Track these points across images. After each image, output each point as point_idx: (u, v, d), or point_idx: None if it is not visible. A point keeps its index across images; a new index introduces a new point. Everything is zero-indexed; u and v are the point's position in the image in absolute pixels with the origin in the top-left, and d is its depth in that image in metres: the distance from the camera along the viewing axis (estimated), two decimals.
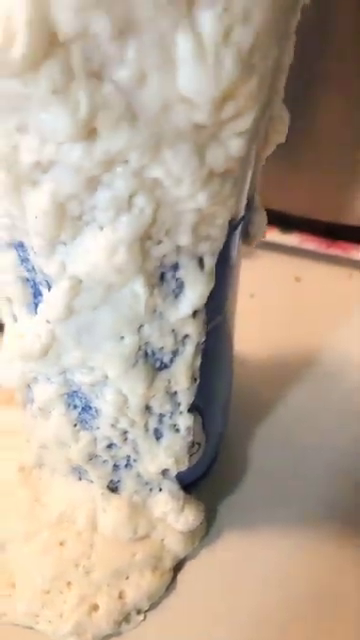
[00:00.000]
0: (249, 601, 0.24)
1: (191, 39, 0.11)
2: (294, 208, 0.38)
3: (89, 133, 0.12)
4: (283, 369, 0.34)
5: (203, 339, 0.19)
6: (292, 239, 0.38)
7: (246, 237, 0.19)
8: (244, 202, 0.17)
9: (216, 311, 0.19)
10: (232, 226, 0.17)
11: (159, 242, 0.15)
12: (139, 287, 0.16)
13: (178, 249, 0.16)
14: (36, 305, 0.18)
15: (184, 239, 0.15)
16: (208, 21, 0.11)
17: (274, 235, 0.37)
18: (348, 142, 0.36)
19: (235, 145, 0.14)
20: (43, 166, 0.13)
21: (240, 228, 0.18)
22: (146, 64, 0.11)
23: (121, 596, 0.23)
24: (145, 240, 0.15)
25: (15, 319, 0.20)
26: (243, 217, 0.18)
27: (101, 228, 0.15)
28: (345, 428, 0.31)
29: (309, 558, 0.25)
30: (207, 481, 0.27)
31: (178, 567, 0.25)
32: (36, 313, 0.18)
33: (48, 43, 0.11)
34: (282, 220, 0.38)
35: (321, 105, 0.35)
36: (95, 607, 0.23)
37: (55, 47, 0.11)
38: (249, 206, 0.18)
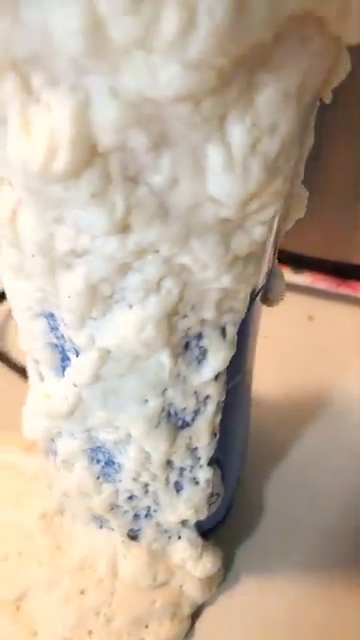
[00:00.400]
0: None
1: (221, 151, 0.12)
2: (305, 249, 0.38)
3: (123, 228, 0.13)
4: (297, 409, 0.34)
5: (223, 398, 0.20)
6: (304, 279, 0.38)
7: (265, 300, 0.20)
8: (265, 273, 0.18)
9: (236, 371, 0.20)
10: (253, 296, 0.18)
11: (185, 316, 0.16)
12: (165, 358, 0.17)
13: (202, 322, 0.17)
14: (63, 368, 0.19)
15: (208, 313, 0.16)
16: (237, 134, 0.12)
17: (287, 275, 0.38)
18: (357, 185, 0.37)
19: (259, 232, 0.14)
20: (77, 253, 0.14)
21: (260, 295, 0.19)
22: (178, 171, 0.12)
23: None
24: (172, 316, 0.16)
25: (42, 378, 0.20)
26: (263, 285, 0.19)
27: (130, 306, 0.15)
28: (358, 466, 0.31)
29: (326, 603, 0.26)
30: (225, 526, 0.28)
31: (196, 614, 0.26)
32: (63, 376, 0.19)
33: (89, 154, 0.12)
34: (294, 260, 0.39)
35: (332, 149, 0.36)
36: None
37: (95, 157, 0.12)
38: (269, 274, 0.19)
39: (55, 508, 0.26)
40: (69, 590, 0.25)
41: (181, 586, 0.25)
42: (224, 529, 0.28)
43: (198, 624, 0.25)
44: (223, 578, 0.27)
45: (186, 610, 0.25)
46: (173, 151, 0.12)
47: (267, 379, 0.33)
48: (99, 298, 0.15)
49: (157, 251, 0.14)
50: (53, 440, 0.22)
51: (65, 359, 0.19)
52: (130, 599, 0.25)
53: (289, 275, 0.39)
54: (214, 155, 0.12)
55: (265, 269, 0.18)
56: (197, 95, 0.10)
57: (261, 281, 0.18)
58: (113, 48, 0.10)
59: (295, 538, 0.28)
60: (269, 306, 0.21)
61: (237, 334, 0.18)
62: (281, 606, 0.26)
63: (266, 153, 0.12)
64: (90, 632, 0.24)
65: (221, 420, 0.21)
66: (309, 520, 0.29)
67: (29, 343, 0.19)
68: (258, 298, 0.19)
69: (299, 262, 0.39)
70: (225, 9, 0.09)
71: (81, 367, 0.18)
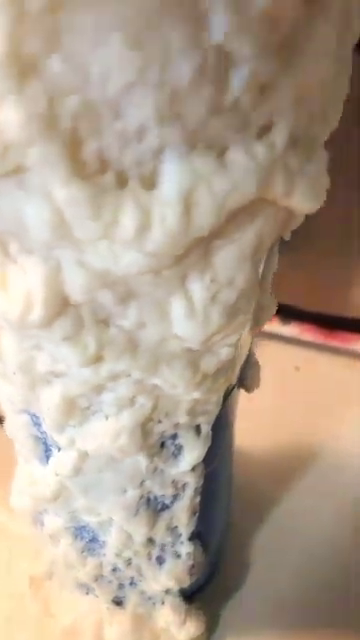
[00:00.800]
0: None
1: (183, 304, 0.13)
2: (293, 300, 0.39)
3: (96, 360, 0.14)
4: (284, 462, 0.35)
5: (201, 483, 0.21)
6: (291, 330, 0.39)
7: (242, 387, 0.21)
8: (238, 372, 0.19)
9: (213, 459, 0.21)
10: (227, 393, 0.19)
11: (159, 422, 0.17)
12: (141, 458, 0.18)
13: (176, 425, 0.18)
14: (47, 457, 0.20)
15: (182, 419, 0.17)
16: (197, 290, 0.13)
17: (274, 326, 0.39)
18: (345, 238, 0.38)
19: (225, 352, 0.15)
20: (55, 373, 0.15)
21: (235, 388, 0.20)
22: (145, 317, 0.13)
23: None
24: (146, 423, 0.17)
25: (27, 461, 0.21)
26: (238, 378, 0.20)
27: (106, 417, 0.16)
28: (346, 520, 0.32)
29: None
30: (210, 587, 0.29)
31: None
32: (47, 463, 0.20)
33: (61, 306, 0.13)
34: (281, 311, 0.40)
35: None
36: None
37: (67, 307, 0.13)
38: (244, 366, 0.20)
39: (44, 573, 0.27)
40: None
41: None
42: (209, 590, 0.29)
43: None
44: None
45: None
46: (139, 302, 0.13)
47: (252, 430, 0.33)
48: (77, 409, 0.16)
49: (129, 375, 0.15)
50: (40, 513, 0.23)
51: (48, 450, 0.20)
52: None
53: (276, 326, 0.40)
54: (177, 306, 0.13)
55: (237, 371, 0.19)
56: (157, 269, 0.12)
57: (235, 379, 0.19)
58: (78, 240, 0.11)
59: (280, 598, 0.29)
60: (247, 392, 0.22)
61: (212, 428, 0.19)
62: None
63: (225, 302, 0.13)
64: None
65: (200, 500, 0.22)
66: (295, 579, 0.30)
67: (13, 432, 0.20)
68: (234, 393, 0.20)
69: (287, 313, 0.40)
70: (174, 215, 0.10)
71: (62, 461, 0.19)
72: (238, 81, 0.10)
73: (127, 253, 0.11)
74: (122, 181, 0.10)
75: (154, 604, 0.26)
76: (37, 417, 0.19)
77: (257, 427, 0.35)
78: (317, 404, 0.38)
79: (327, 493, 0.34)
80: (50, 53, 0.09)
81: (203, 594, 0.28)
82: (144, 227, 0.10)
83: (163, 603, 0.26)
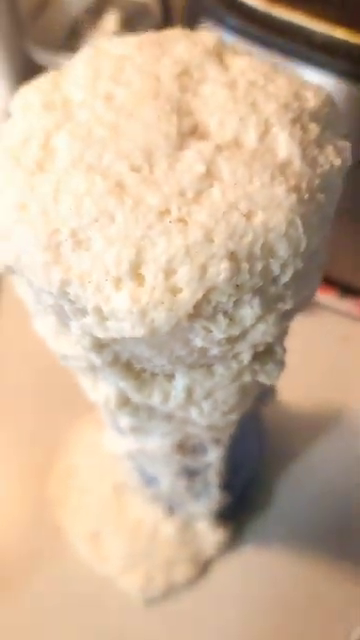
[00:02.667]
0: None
1: (197, 411, 0.22)
2: (355, 280, 0.46)
3: (149, 419, 0.24)
4: (316, 416, 0.45)
5: (224, 462, 0.31)
6: (345, 305, 0.47)
7: (260, 403, 0.31)
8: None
9: (235, 440, 0.31)
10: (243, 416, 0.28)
11: (189, 439, 0.27)
12: (179, 456, 0.28)
13: (201, 441, 0.28)
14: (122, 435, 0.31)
15: (204, 438, 0.27)
16: (206, 406, 0.22)
17: (329, 299, 0.47)
18: None
19: (232, 419, 0.25)
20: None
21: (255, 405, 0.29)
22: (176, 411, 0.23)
23: None
24: (181, 442, 0.27)
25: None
26: (257, 399, 0.29)
27: (158, 437, 0.27)
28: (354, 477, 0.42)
29: (314, 571, 0.39)
30: (239, 508, 0.40)
31: (209, 563, 0.39)
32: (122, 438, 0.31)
33: (125, 403, 0.23)
34: (341, 286, 0.47)
35: None
36: None
37: (129, 403, 0.23)
38: (263, 393, 0.29)
39: (122, 483, 0.40)
40: (127, 536, 0.39)
41: (200, 544, 0.39)
42: (238, 511, 0.40)
43: (210, 569, 0.39)
44: (231, 543, 0.40)
45: (202, 559, 0.39)
46: None
47: (294, 386, 0.43)
48: (142, 432, 0.27)
49: (167, 426, 0.25)
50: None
51: (123, 433, 0.31)
52: (166, 548, 0.39)
53: (332, 300, 0.47)
54: (194, 410, 0.22)
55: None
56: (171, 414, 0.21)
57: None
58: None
59: (297, 523, 0.41)
60: (264, 406, 0.31)
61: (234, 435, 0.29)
62: (271, 563, 0.39)
63: (222, 409, 0.22)
64: (137, 561, 0.39)
65: (225, 463, 0.33)
66: (311, 510, 0.41)
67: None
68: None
69: (344, 289, 0.47)
70: (181, 397, 0.19)
71: (130, 444, 0.30)
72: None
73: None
74: (153, 376, 0.20)
75: (194, 516, 0.38)
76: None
77: (300, 385, 0.44)
78: (357, 371, 0.46)
79: (351, 445, 0.43)
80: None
81: (234, 513, 0.40)
82: (165, 400, 0.20)
83: (202, 516, 0.38)
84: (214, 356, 0.18)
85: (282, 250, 0.15)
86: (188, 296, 0.14)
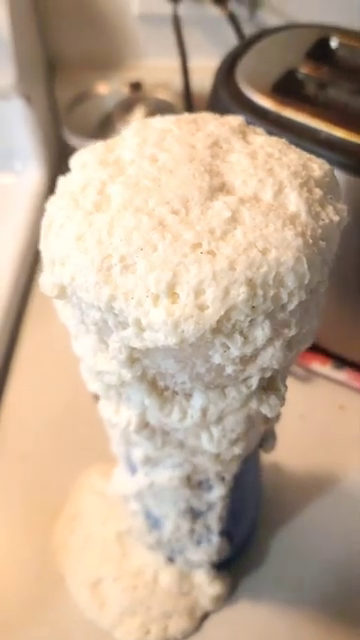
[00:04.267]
0: None
1: (207, 436, 0.25)
2: (348, 352, 0.49)
3: (162, 446, 0.27)
4: (315, 479, 0.47)
5: (227, 502, 0.33)
6: (342, 375, 0.50)
7: (261, 448, 0.33)
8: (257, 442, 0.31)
9: (238, 485, 0.33)
10: (245, 459, 0.31)
11: (197, 474, 0.30)
12: (186, 490, 0.30)
13: (208, 476, 0.30)
14: (133, 472, 0.33)
15: (211, 474, 0.30)
16: (215, 432, 0.25)
17: (327, 370, 0.50)
18: None
19: (237, 451, 0.27)
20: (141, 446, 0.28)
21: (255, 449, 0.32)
22: (188, 438, 0.25)
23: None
24: (190, 475, 0.29)
25: (120, 467, 0.35)
26: (259, 443, 0.31)
27: (168, 469, 0.29)
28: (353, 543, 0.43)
29: (314, 626, 0.39)
30: (237, 562, 0.41)
31: (205, 617, 0.40)
32: (132, 476, 0.33)
33: (144, 426, 0.25)
34: (336, 358, 0.50)
35: None
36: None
37: (147, 426, 0.25)
38: (265, 436, 0.32)
39: (126, 530, 0.41)
40: (127, 584, 0.40)
41: (197, 597, 0.40)
42: (236, 565, 0.41)
43: (205, 623, 0.40)
44: (227, 598, 0.41)
45: (198, 613, 0.40)
46: (185, 432, 0.25)
47: (293, 451, 0.45)
48: (151, 462, 0.29)
49: (180, 454, 0.27)
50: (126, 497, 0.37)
51: (134, 468, 0.33)
52: (164, 598, 0.40)
53: (330, 370, 0.50)
54: (204, 436, 0.25)
55: (245, 455, 0.30)
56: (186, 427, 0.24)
57: (249, 451, 0.31)
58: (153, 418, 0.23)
59: (291, 582, 0.41)
60: (265, 452, 0.33)
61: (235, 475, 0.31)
62: (266, 621, 0.39)
63: (230, 437, 0.25)
64: (134, 612, 0.39)
65: (228, 510, 0.34)
66: (307, 569, 0.42)
67: (114, 447, 0.33)
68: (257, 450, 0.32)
69: (341, 361, 0.50)
70: (197, 416, 0.22)
71: (140, 480, 0.32)
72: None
73: (176, 427, 0.23)
74: (174, 394, 0.22)
75: (194, 566, 0.39)
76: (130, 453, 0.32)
77: (297, 449, 0.46)
78: (354, 441, 0.48)
79: (349, 511, 0.45)
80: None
81: (231, 567, 0.41)
82: (183, 417, 0.22)
83: (200, 566, 0.39)
84: (228, 375, 0.21)
85: (290, 281, 0.18)
86: (213, 312, 0.18)
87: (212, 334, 0.18)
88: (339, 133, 0.41)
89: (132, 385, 0.22)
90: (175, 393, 0.22)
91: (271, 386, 0.23)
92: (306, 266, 0.18)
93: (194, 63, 0.58)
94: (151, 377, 0.21)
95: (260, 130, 0.22)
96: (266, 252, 0.18)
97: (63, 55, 0.65)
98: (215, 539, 0.36)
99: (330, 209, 0.20)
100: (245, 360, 0.20)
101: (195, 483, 0.30)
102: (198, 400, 0.22)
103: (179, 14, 0.59)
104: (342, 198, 0.21)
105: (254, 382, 0.22)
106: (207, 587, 0.39)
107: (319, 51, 0.49)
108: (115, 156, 0.21)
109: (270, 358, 0.20)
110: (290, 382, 0.25)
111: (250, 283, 0.18)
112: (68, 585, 0.41)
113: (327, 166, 0.21)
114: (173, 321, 0.18)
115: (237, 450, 0.27)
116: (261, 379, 0.22)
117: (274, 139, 0.22)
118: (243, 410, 0.23)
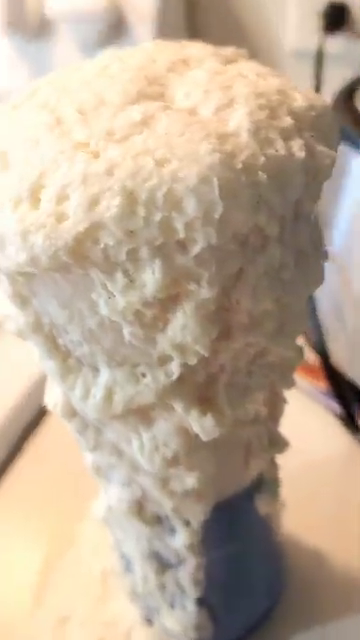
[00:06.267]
0: None
1: (138, 444, 0.19)
2: None
3: (95, 448, 0.22)
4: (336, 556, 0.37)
5: (202, 561, 0.26)
6: None
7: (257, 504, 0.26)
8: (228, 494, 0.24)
9: (220, 547, 0.27)
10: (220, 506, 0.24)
11: (152, 503, 0.24)
12: (141, 524, 0.25)
13: (166, 513, 0.24)
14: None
15: (168, 511, 0.24)
16: (146, 439, 0.19)
17: None
18: None
19: (191, 482, 0.21)
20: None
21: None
22: (121, 442, 0.20)
23: None
24: (141, 501, 0.24)
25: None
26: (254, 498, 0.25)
27: (117, 486, 0.24)
28: None
29: None
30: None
31: None
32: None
33: (73, 414, 0.21)
34: None
35: None
36: None
37: (75, 415, 0.21)
38: (259, 488, 0.25)
39: (110, 570, 0.35)
40: (94, 634, 0.34)
41: None
42: None
43: None
44: None
45: None
46: (117, 434, 0.20)
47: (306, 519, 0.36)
48: (103, 475, 0.24)
49: (121, 468, 0.22)
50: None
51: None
52: None
53: None
54: (135, 443, 0.20)
55: (212, 498, 0.24)
56: (103, 421, 0.19)
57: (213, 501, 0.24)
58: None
59: None
60: (259, 511, 0.26)
61: (215, 528, 0.25)
62: None
63: (163, 452, 0.19)
64: None
65: (211, 576, 0.27)
66: None
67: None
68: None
69: None
70: (100, 396, 0.17)
71: (102, 503, 0.27)
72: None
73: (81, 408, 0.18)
74: (80, 364, 0.18)
75: (172, 635, 0.32)
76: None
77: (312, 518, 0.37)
78: None
79: None
80: None
81: None
82: (85, 395, 0.18)
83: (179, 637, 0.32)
84: (132, 346, 0.16)
85: (190, 207, 0.13)
86: (71, 224, 0.13)
87: (72, 257, 0.13)
88: None
89: (31, 338, 0.18)
90: (81, 364, 0.18)
91: (210, 400, 0.18)
92: (217, 192, 0.13)
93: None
94: (48, 330, 0.17)
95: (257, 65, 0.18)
96: (163, 163, 0.13)
97: None
98: (190, 607, 0.29)
99: (297, 142, 0.14)
100: (146, 323, 0.15)
101: (151, 516, 0.24)
102: (103, 377, 0.17)
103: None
104: (335, 146, 0.16)
105: (174, 368, 0.16)
106: None
107: None
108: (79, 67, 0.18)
109: (182, 329, 0.15)
110: None
111: (128, 195, 0.13)
112: (35, 614, 0.36)
113: (321, 102, 0.16)
114: (22, 230, 0.14)
115: (190, 481, 0.21)
116: (191, 376, 0.17)
117: (270, 70, 0.17)
118: (173, 417, 0.18)
